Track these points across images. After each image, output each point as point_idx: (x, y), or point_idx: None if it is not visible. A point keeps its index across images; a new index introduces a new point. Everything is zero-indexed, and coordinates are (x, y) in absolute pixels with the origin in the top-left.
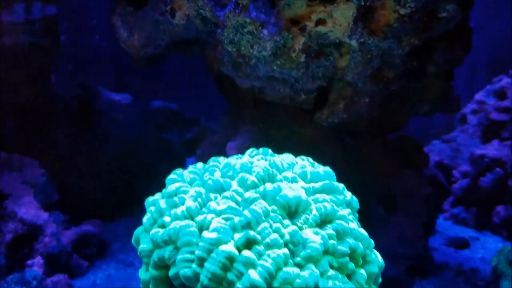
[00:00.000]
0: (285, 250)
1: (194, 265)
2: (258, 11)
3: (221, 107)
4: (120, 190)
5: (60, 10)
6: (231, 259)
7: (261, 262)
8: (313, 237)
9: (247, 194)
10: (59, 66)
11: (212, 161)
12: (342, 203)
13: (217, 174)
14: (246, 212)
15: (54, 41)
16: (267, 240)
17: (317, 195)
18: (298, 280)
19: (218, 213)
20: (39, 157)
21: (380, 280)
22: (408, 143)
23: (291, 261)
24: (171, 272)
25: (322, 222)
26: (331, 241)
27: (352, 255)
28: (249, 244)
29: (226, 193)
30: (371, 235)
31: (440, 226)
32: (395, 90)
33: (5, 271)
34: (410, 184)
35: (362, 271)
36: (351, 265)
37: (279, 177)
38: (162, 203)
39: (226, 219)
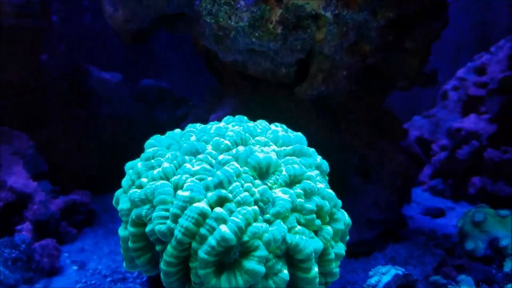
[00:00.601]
0: (255, 207)
1: (168, 221)
2: None
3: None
4: (110, 165)
5: None
6: (203, 215)
7: (232, 218)
8: (282, 196)
9: (220, 157)
10: (51, 46)
11: (189, 127)
12: (312, 165)
13: (193, 139)
14: (218, 172)
15: (45, 21)
16: (238, 198)
17: (288, 158)
18: (266, 234)
19: (193, 174)
20: (30, 132)
21: (347, 237)
22: (385, 117)
23: (260, 217)
24: (147, 229)
25: (291, 182)
26: (299, 199)
27: (319, 212)
28: (221, 201)
29: (200, 156)
30: (348, 202)
31: (418, 197)
32: (373, 64)
33: None
34: (385, 154)
35: (329, 227)
36: (318, 222)
37: (252, 141)
38: (140, 165)
39: (199, 179)
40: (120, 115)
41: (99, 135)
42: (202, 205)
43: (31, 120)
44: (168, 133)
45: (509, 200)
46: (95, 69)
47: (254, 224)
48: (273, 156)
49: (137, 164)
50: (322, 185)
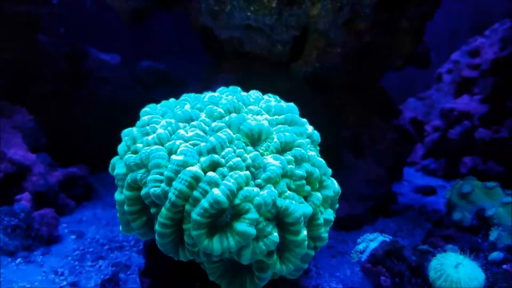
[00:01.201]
0: (247, 172)
1: (163, 185)
2: None
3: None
4: (109, 144)
5: None
6: (196, 178)
7: (224, 181)
8: (273, 162)
9: (213, 124)
10: (50, 28)
11: (183, 96)
12: (303, 134)
13: (187, 107)
14: (211, 138)
15: (43, 4)
16: (230, 163)
17: (279, 126)
18: (257, 198)
19: (186, 139)
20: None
21: (337, 205)
22: (380, 96)
23: (252, 182)
24: (142, 192)
25: (283, 149)
26: (289, 166)
27: (309, 179)
28: (214, 166)
29: (194, 123)
30: (341, 178)
31: (410, 176)
32: (368, 43)
33: None
34: (378, 131)
35: (318, 194)
36: (308, 188)
37: (245, 109)
38: (135, 132)
39: (193, 144)
40: (118, 95)
41: (97, 115)
42: (196, 169)
43: (31, 98)
44: (163, 102)
45: (499, 178)
46: (94, 50)
47: (246, 188)
48: (265, 123)
49: (133, 130)
50: (313, 153)
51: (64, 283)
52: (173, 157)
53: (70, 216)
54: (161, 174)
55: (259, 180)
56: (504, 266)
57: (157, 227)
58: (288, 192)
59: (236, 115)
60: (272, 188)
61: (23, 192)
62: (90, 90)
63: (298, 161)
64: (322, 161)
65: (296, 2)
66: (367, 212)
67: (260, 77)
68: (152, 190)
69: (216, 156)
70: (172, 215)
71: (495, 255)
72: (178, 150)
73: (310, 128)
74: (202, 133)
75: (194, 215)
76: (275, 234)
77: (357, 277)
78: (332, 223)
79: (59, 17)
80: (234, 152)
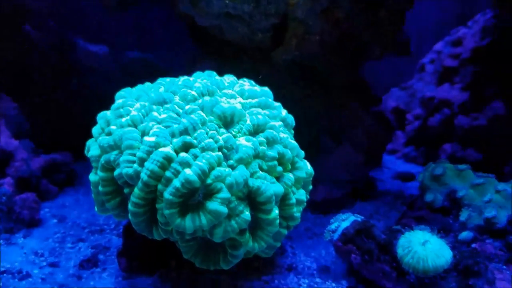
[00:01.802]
0: (219, 153)
1: (135, 165)
2: None
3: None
4: None
5: None
6: (168, 159)
7: (196, 162)
8: (245, 143)
9: (187, 107)
10: (39, 20)
11: (159, 80)
12: (276, 117)
13: (161, 90)
14: (184, 120)
15: None
16: (203, 144)
17: (252, 109)
18: (229, 178)
19: (159, 121)
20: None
21: (310, 187)
22: (359, 84)
23: (224, 162)
24: (115, 172)
25: (255, 131)
26: (261, 147)
27: (281, 160)
28: (186, 147)
29: (167, 105)
30: (319, 163)
31: (391, 163)
32: (347, 31)
33: None
34: (356, 117)
35: (290, 175)
36: (280, 169)
37: (219, 93)
38: (110, 114)
39: (166, 126)
40: (105, 85)
41: (84, 104)
42: (168, 149)
43: (16, 86)
44: (138, 85)
45: (478, 165)
46: (81, 41)
47: (218, 168)
48: (238, 106)
49: (107, 113)
50: (285, 135)
51: (44, 263)
52: (146, 138)
53: (52, 201)
54: (134, 155)
55: (231, 161)
56: (473, 245)
57: (130, 206)
58: (260, 172)
59: (209, 98)
60: (244, 168)
61: (5, 177)
62: (77, 80)
63: (270, 142)
64: (294, 143)
65: None
66: (345, 196)
67: (240, 65)
68: (124, 170)
69: (188, 137)
70: (145, 194)
71: (465, 234)
72: (151, 131)
73: (284, 112)
74: (175, 115)
75: (167, 195)
76: (247, 213)
77: (331, 256)
78: (305, 204)
79: (45, 7)
80: (207, 133)
